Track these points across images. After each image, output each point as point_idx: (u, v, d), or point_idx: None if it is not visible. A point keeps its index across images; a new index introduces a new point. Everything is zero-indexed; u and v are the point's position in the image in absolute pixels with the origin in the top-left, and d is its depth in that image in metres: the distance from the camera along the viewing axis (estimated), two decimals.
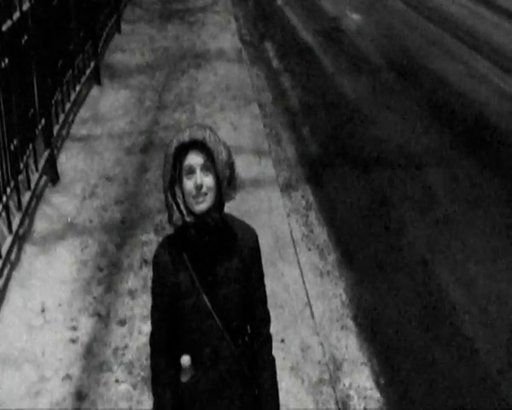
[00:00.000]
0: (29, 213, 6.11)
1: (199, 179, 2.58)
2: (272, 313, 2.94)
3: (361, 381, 4.68)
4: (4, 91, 5.49)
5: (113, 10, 11.76)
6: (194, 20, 13.51)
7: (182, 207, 2.65)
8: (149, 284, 2.96)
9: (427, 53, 11.95)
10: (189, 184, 2.60)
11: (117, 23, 12.02)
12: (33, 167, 6.37)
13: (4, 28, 5.48)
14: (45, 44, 6.77)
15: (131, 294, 5.41)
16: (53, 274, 5.56)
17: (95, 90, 9.37)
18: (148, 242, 6.08)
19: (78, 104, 8.60)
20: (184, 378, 2.81)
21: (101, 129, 8.31)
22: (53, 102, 7.23)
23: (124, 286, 5.51)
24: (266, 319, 2.90)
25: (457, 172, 7.59)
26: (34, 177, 6.33)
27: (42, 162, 6.59)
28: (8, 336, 4.85)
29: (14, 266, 5.50)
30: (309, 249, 6.15)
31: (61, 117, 7.55)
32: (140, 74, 10.35)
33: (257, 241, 2.82)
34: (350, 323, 5.25)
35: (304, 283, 5.61)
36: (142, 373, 4.58)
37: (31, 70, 6.41)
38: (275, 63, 11.38)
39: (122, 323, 5.09)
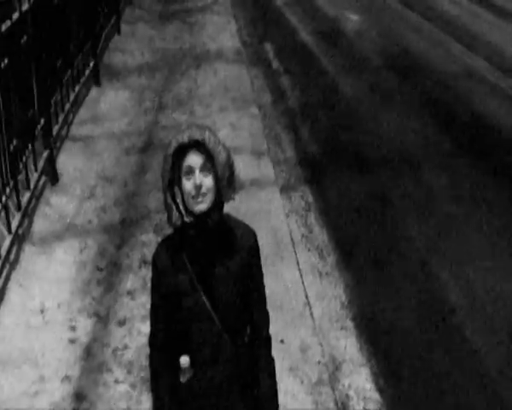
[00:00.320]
0: (28, 214, 6.11)
1: (198, 180, 2.58)
2: (271, 314, 2.94)
3: (360, 381, 4.68)
4: (4, 92, 5.49)
5: (113, 11, 11.76)
6: (193, 21, 13.52)
7: (181, 207, 2.65)
8: (149, 284, 2.96)
9: (426, 53, 11.96)
10: (188, 184, 2.60)
11: (116, 24, 12.02)
12: (33, 168, 6.37)
13: (4, 28, 5.48)
14: (45, 45, 6.77)
15: (131, 294, 5.41)
16: (52, 274, 5.56)
17: (94, 91, 9.38)
18: (148, 242, 6.08)
19: (77, 105, 8.60)
20: (183, 379, 2.80)
21: (100, 129, 8.31)
22: (52, 102, 7.24)
23: (123, 286, 5.51)
24: (265, 320, 2.90)
25: (457, 172, 7.59)
26: (33, 177, 6.33)
27: (41, 162, 6.59)
28: (7, 337, 4.85)
29: (13, 266, 5.50)
30: (308, 250, 6.16)
31: (61, 117, 7.56)
32: (139, 75, 10.36)
33: (256, 241, 2.82)
34: (349, 324, 5.25)
35: (303, 283, 5.61)
36: (142, 374, 4.57)
37: (30, 70, 6.41)
38: (274, 64, 11.38)
39: (121, 323, 5.09)
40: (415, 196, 7.08)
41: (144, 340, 4.67)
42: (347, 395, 4.55)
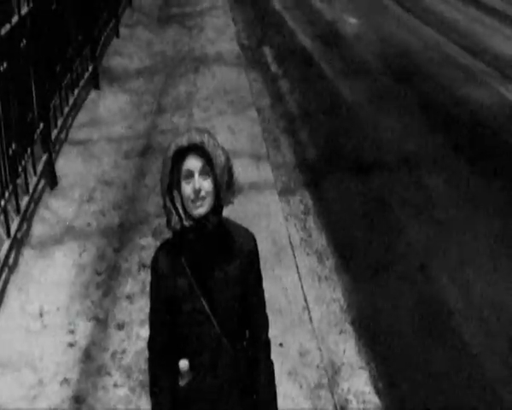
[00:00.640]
0: (27, 217, 6.10)
1: (197, 183, 2.58)
2: (270, 318, 2.94)
3: (359, 385, 4.68)
4: (3, 95, 5.49)
5: (112, 14, 11.76)
6: (192, 25, 13.53)
7: (180, 211, 2.65)
8: (147, 288, 2.96)
9: (425, 57, 11.97)
10: (187, 188, 2.60)
11: (115, 27, 12.02)
12: (32, 171, 6.37)
13: (3, 32, 5.48)
14: (44, 48, 6.77)
15: (130, 298, 5.41)
16: (51, 278, 5.56)
17: (93, 95, 9.37)
18: (147, 246, 6.07)
19: (76, 108, 8.60)
20: (182, 383, 2.80)
21: (99, 133, 8.31)
22: (51, 106, 7.24)
23: (122, 290, 5.51)
24: (265, 324, 2.90)
25: (455, 176, 7.60)
26: (32, 181, 6.33)
27: (40, 166, 6.59)
28: (6, 341, 4.85)
29: (12, 269, 5.50)
30: (307, 254, 6.16)
31: (60, 121, 7.56)
32: (138, 78, 10.36)
33: (255, 245, 2.82)
34: (348, 327, 5.24)
35: (302, 287, 5.61)
36: (141, 377, 4.57)
37: (29, 74, 6.41)
38: (273, 67, 11.39)
39: (120, 327, 5.08)
40: (414, 200, 7.09)
41: (143, 344, 4.67)
42: (346, 399, 4.55)
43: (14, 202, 5.77)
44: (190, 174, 2.60)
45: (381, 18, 14.77)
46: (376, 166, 7.85)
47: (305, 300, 5.46)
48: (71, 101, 8.15)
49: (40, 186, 6.60)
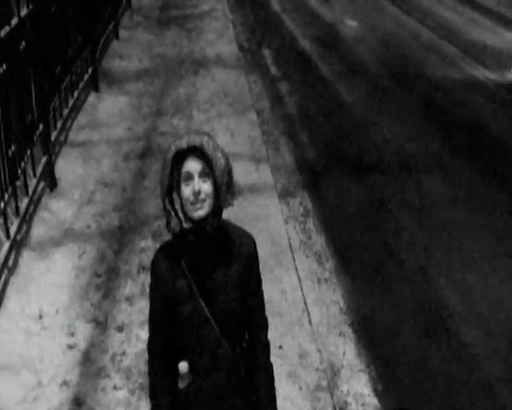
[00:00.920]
0: (27, 219, 6.10)
1: (197, 186, 2.58)
2: (270, 320, 2.94)
3: (359, 387, 4.68)
4: (2, 97, 5.49)
5: (111, 17, 11.77)
6: (192, 27, 13.54)
7: (180, 213, 2.65)
8: (147, 290, 2.96)
9: (424, 59, 11.98)
10: (187, 190, 2.60)
11: (115, 29, 12.04)
12: (31, 173, 6.37)
13: (2, 34, 5.48)
14: (43, 50, 6.78)
15: (129, 300, 5.40)
16: (51, 280, 5.56)
17: (92, 97, 9.38)
18: (146, 248, 6.07)
19: (75, 110, 8.60)
20: (182, 385, 2.81)
21: (98, 135, 8.31)
22: (51, 107, 7.24)
23: (121, 292, 5.51)
24: (264, 326, 2.90)
25: (455, 178, 7.61)
26: (32, 183, 6.33)
27: (40, 168, 6.59)
28: (5, 342, 4.85)
29: (11, 271, 5.50)
30: (307, 256, 6.16)
31: (59, 123, 7.56)
32: (138, 80, 10.36)
33: (255, 247, 2.82)
34: (348, 329, 5.24)
35: (301, 289, 5.61)
36: (140, 379, 4.57)
37: (29, 76, 6.42)
38: (272, 70, 11.40)
39: (120, 329, 5.08)
40: (413, 202, 7.09)
41: (143, 346, 4.67)
42: (346, 401, 4.55)
43: (13, 204, 5.77)
44: (190, 176, 2.60)
45: (380, 20, 14.78)
46: (376, 168, 7.86)
47: (305, 302, 5.46)
48: (70, 103, 8.15)
49: (40, 188, 6.60)
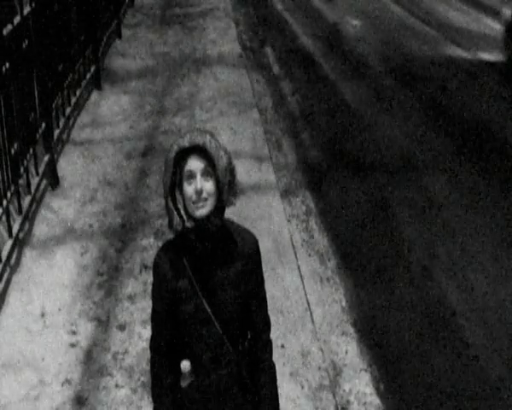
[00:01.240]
0: (29, 218, 6.11)
1: (199, 184, 2.58)
2: (272, 319, 2.94)
3: (361, 387, 4.68)
4: (5, 96, 5.49)
5: (114, 15, 11.78)
6: (194, 26, 13.53)
7: (182, 212, 2.65)
8: (149, 288, 2.96)
9: (427, 58, 11.96)
10: (189, 189, 2.60)
11: (117, 28, 12.04)
12: (33, 172, 6.37)
13: (5, 32, 5.49)
14: (46, 49, 6.78)
15: (131, 299, 5.41)
16: (53, 278, 5.56)
17: (95, 95, 9.38)
18: (148, 247, 6.07)
19: (78, 109, 8.61)
20: (184, 383, 2.80)
21: (101, 133, 8.31)
22: (53, 106, 7.24)
23: (124, 291, 5.51)
24: (266, 325, 2.90)
25: (457, 177, 7.60)
26: (34, 181, 6.33)
27: (42, 166, 6.59)
28: (7, 341, 4.85)
29: (14, 270, 5.50)
30: (309, 255, 6.15)
31: (62, 121, 7.56)
32: (140, 79, 10.36)
33: (257, 246, 2.82)
34: (350, 329, 5.24)
35: (304, 288, 5.61)
36: (142, 378, 4.57)
37: (31, 74, 6.42)
38: (275, 69, 11.39)
39: (122, 328, 5.08)
40: (415, 201, 7.09)
41: (145, 344, 4.68)
42: (348, 401, 4.55)
43: (15, 203, 5.77)
44: (192, 175, 2.59)
45: (383, 19, 14.77)
46: (378, 168, 7.86)
47: (307, 301, 5.46)
48: (73, 101, 8.15)
49: (42, 187, 6.61)
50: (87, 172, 7.33)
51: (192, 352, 2.76)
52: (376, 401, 4.56)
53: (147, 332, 4.72)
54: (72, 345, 4.89)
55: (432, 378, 4.77)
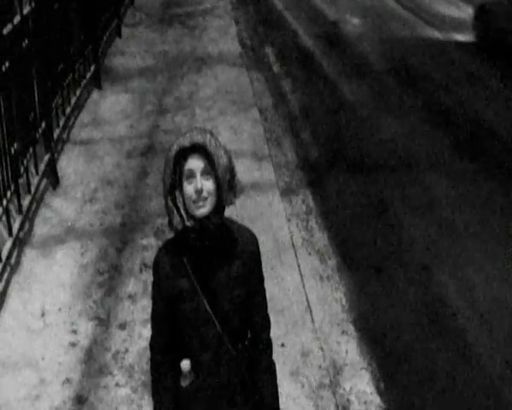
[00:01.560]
0: (29, 217, 6.11)
1: (199, 184, 2.58)
2: (272, 318, 2.94)
3: (361, 386, 4.68)
4: (5, 95, 5.49)
5: (114, 14, 11.78)
6: (194, 25, 13.53)
7: (182, 211, 2.65)
8: (149, 288, 2.96)
9: (427, 57, 11.96)
10: (189, 188, 2.60)
11: (117, 27, 12.04)
12: (34, 171, 6.37)
13: (5, 32, 5.49)
14: (46, 48, 6.78)
15: (131, 298, 5.41)
16: (53, 278, 5.56)
17: (95, 94, 9.38)
18: (149, 246, 6.07)
19: (78, 108, 8.61)
20: (184, 383, 2.80)
21: (101, 133, 8.31)
22: (53, 105, 7.24)
23: (124, 290, 5.51)
24: (266, 324, 2.90)
25: (457, 176, 7.60)
26: (34, 180, 6.33)
27: (42, 166, 6.59)
28: (7, 340, 4.85)
29: (14, 269, 5.50)
30: (309, 254, 6.15)
31: (62, 121, 7.56)
32: (140, 78, 10.36)
33: (257, 245, 2.82)
34: (350, 327, 5.24)
35: (304, 287, 5.61)
36: (143, 377, 4.57)
37: (31, 74, 6.42)
38: (275, 67, 11.39)
39: (122, 327, 5.09)
40: (415, 200, 7.08)
41: (145, 344, 4.68)
42: (348, 400, 4.55)
43: (16, 202, 5.77)
44: (192, 174, 2.59)
45: (383, 18, 14.76)
46: (378, 167, 7.85)
47: (307, 300, 5.46)
48: (73, 100, 8.15)
49: (42, 186, 6.61)
50: (87, 172, 7.33)
51: (192, 351, 2.76)
52: (377, 399, 4.56)
53: (147, 331, 4.71)
54: (73, 344, 4.89)
55: (432, 377, 4.77)
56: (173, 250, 2.74)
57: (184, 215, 2.65)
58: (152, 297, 2.81)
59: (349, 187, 7.39)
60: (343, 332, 5.18)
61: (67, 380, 4.56)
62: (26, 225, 6.00)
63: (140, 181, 7.29)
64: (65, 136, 7.85)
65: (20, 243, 5.75)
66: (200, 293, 2.68)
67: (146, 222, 6.48)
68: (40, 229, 6.15)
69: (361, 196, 7.19)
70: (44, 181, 6.70)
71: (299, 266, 5.89)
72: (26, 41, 6.14)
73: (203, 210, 2.60)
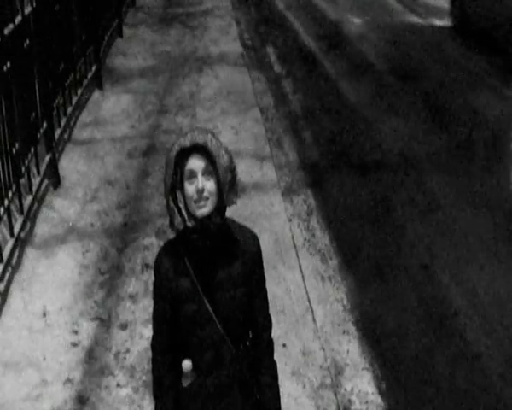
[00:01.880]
0: (30, 217, 6.11)
1: (200, 184, 2.58)
2: (274, 318, 2.94)
3: (362, 386, 4.67)
4: (6, 95, 5.50)
5: (115, 14, 11.78)
6: (195, 25, 13.53)
7: (183, 211, 2.65)
8: (151, 288, 2.96)
9: (429, 57, 11.95)
10: (190, 188, 2.60)
11: (119, 27, 12.04)
12: (35, 171, 6.37)
13: (6, 32, 5.49)
14: (47, 48, 6.78)
15: (133, 298, 5.41)
16: (54, 278, 5.57)
17: (96, 94, 9.38)
18: (150, 246, 6.07)
19: (79, 108, 8.61)
20: (185, 383, 2.80)
21: (102, 133, 8.31)
22: (55, 105, 7.24)
23: (125, 290, 5.51)
24: (268, 324, 2.90)
25: (458, 176, 7.59)
26: (36, 180, 6.33)
27: (43, 166, 6.59)
28: (9, 340, 4.85)
29: (15, 269, 5.51)
30: (310, 254, 6.15)
31: (63, 121, 7.56)
32: (141, 78, 10.36)
33: (258, 245, 2.82)
34: (351, 327, 5.24)
35: (305, 287, 5.61)
36: (144, 377, 4.57)
37: (32, 74, 6.42)
38: (276, 67, 11.39)
39: (123, 327, 5.09)
40: (417, 200, 7.08)
41: (146, 344, 4.68)
42: (349, 400, 4.55)
43: (17, 202, 5.77)
44: (193, 174, 2.60)
45: (385, 18, 14.75)
46: (380, 166, 7.85)
47: (309, 300, 5.46)
48: (74, 101, 8.16)
49: (43, 186, 6.61)
50: (88, 172, 7.33)
51: (193, 351, 2.77)
52: (378, 399, 4.56)
53: (148, 332, 4.72)
54: (74, 344, 4.89)
55: (433, 377, 4.77)
56: (174, 250, 2.74)
57: (185, 215, 2.65)
58: (153, 297, 2.81)
59: (350, 187, 7.39)
60: (344, 332, 5.18)
61: (68, 380, 4.57)
62: (28, 226, 6.00)
63: (141, 181, 7.29)
64: (66, 136, 7.85)
65: (21, 243, 5.75)
66: (202, 293, 2.68)
67: (147, 222, 6.48)
68: (41, 229, 6.15)
69: (362, 196, 7.18)
70: (46, 181, 6.70)
71: (300, 266, 5.89)
72: (28, 41, 6.15)
73: (204, 210, 2.60)
